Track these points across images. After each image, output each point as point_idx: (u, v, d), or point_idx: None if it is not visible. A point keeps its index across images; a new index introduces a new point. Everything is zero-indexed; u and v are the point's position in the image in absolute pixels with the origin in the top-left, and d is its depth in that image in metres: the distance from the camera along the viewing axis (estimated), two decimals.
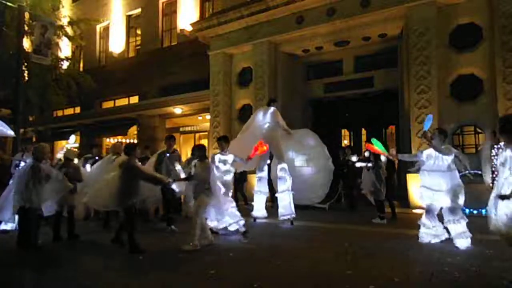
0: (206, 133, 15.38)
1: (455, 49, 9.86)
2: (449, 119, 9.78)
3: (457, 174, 5.59)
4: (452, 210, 5.46)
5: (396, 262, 4.73)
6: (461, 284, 3.89)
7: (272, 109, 8.05)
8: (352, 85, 12.70)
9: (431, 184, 5.59)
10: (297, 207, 8.02)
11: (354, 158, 9.60)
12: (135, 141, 17.86)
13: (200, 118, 16.38)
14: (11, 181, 6.41)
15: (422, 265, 4.52)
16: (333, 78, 13.21)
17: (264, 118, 8.03)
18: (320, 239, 6.07)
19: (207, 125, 14.87)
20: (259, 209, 8.18)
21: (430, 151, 5.71)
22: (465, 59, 9.73)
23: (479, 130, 9.63)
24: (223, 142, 7.04)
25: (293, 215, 7.70)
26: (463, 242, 5.40)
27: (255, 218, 8.08)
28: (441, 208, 5.66)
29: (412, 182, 9.27)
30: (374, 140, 6.44)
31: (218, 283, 4.09)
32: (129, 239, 5.45)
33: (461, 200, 5.47)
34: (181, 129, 17.28)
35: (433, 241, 5.64)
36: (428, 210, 5.72)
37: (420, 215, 6.03)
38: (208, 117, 14.54)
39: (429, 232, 5.70)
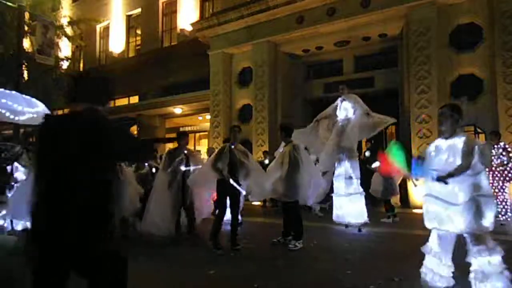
0: (206, 133, 15.38)
1: (455, 49, 9.87)
2: None
3: (484, 179, 3.46)
4: (477, 237, 3.41)
5: (396, 262, 4.72)
6: (461, 284, 3.88)
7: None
8: (352, 85, 12.60)
9: (440, 193, 3.50)
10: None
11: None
12: None
13: (200, 118, 16.40)
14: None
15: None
16: (333, 78, 13.18)
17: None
18: (320, 238, 6.06)
19: (207, 125, 14.88)
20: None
21: (440, 141, 3.73)
22: (465, 59, 9.73)
23: (479, 130, 9.63)
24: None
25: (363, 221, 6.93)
26: (498, 286, 3.32)
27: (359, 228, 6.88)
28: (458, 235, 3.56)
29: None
30: (396, 150, 4.06)
31: (218, 283, 4.09)
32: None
33: (489, 220, 3.35)
34: (181, 129, 17.25)
35: (439, 283, 3.65)
36: (440, 237, 3.65)
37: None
38: (208, 117, 14.56)
39: (435, 269, 3.68)
